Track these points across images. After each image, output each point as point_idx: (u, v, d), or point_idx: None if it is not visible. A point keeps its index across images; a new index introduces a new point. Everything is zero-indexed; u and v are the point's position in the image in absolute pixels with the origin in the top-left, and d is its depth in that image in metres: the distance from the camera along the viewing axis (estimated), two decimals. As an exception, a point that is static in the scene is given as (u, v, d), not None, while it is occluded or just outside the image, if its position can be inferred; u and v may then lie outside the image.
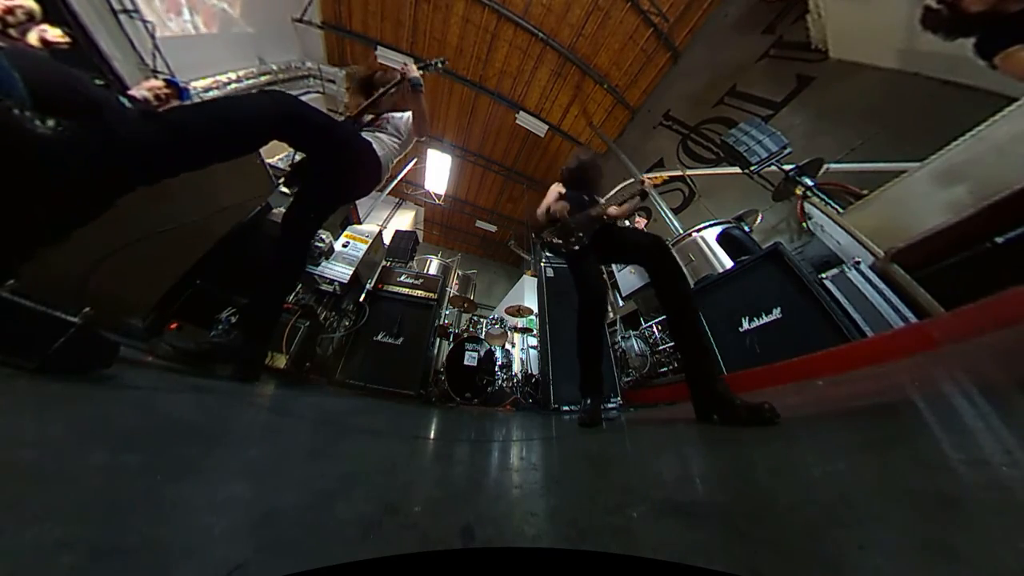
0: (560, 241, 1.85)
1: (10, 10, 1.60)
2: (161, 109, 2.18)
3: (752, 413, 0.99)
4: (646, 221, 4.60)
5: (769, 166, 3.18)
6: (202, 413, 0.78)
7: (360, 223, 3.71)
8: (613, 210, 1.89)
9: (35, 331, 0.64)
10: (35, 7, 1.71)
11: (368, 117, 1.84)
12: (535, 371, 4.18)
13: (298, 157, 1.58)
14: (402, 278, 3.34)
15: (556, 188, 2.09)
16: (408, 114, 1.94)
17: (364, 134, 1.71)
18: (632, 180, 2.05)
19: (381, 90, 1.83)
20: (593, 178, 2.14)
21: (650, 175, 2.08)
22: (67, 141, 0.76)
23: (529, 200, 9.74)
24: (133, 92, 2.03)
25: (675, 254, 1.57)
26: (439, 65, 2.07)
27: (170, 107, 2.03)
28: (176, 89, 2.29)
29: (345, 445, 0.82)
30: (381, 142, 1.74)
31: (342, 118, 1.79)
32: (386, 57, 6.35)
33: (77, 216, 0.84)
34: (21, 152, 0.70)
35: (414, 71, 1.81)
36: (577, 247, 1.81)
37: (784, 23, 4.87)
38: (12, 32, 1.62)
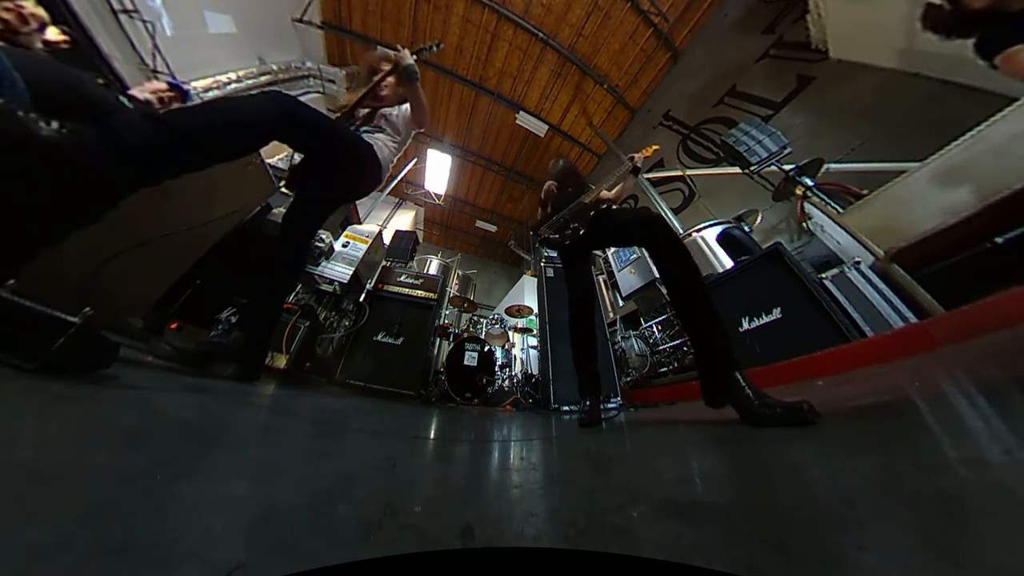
0: (557, 236, 1.84)
1: (25, 19, 1.61)
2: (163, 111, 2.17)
3: (791, 413, 0.87)
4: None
5: (769, 166, 3.19)
6: (202, 413, 0.78)
7: (360, 223, 3.71)
8: (606, 192, 1.87)
9: (35, 331, 0.64)
10: (46, 16, 1.73)
11: (364, 112, 1.77)
12: (535, 371, 4.18)
13: (297, 158, 1.58)
14: (402, 278, 3.34)
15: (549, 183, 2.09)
16: (405, 108, 1.88)
17: (364, 135, 1.68)
18: (623, 164, 2.00)
19: (375, 81, 1.74)
20: (574, 175, 2.12)
21: (637, 153, 2.01)
22: (71, 143, 0.76)
23: (529, 200, 9.74)
24: (135, 93, 2.02)
25: (672, 229, 1.44)
26: (434, 48, 1.93)
27: (171, 108, 2.02)
28: (179, 92, 2.28)
29: (345, 445, 0.82)
30: (382, 143, 1.72)
31: (337, 114, 1.73)
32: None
33: (80, 218, 0.84)
34: (25, 154, 0.70)
35: (408, 58, 1.70)
36: (574, 238, 1.79)
37: (784, 23, 4.87)
38: (22, 40, 1.63)
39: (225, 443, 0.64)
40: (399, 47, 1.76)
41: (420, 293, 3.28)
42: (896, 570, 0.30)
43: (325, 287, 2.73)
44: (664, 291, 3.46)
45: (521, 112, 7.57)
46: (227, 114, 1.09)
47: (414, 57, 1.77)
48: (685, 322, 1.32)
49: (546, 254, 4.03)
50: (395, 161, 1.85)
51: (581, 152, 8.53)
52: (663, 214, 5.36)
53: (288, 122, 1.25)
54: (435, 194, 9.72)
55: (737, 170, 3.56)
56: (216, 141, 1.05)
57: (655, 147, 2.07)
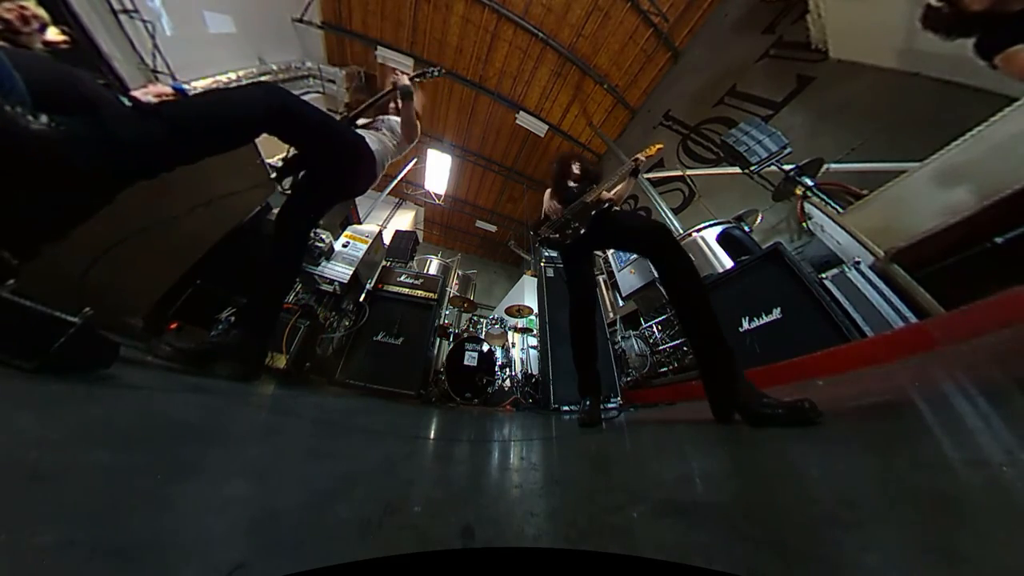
0: (557, 235, 1.84)
1: (27, 19, 1.61)
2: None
3: (792, 412, 0.87)
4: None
5: (769, 166, 3.18)
6: (202, 413, 0.78)
7: (360, 223, 3.71)
8: (606, 193, 1.88)
9: (35, 331, 0.64)
10: (47, 16, 1.73)
11: (364, 121, 1.88)
12: (535, 371, 4.18)
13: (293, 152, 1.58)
14: (402, 278, 3.34)
15: (548, 192, 2.11)
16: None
17: (359, 131, 1.71)
18: (624, 165, 2.01)
19: (374, 97, 1.89)
20: (575, 169, 2.11)
21: (641, 154, 2.01)
22: (61, 137, 0.75)
23: (529, 200, 9.75)
24: (138, 95, 2.02)
25: (676, 240, 1.45)
26: (435, 73, 2.13)
27: (162, 101, 2.02)
28: (183, 96, 2.28)
29: (345, 445, 0.82)
30: (375, 138, 1.76)
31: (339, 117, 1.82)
32: (386, 57, 6.35)
33: (76, 212, 0.84)
34: (15, 149, 0.70)
35: (404, 81, 1.86)
36: (575, 237, 1.79)
37: (784, 23, 4.87)
38: (22, 40, 1.63)
39: (225, 443, 0.63)
40: (397, 72, 1.94)
41: (420, 293, 3.28)
42: (896, 570, 0.30)
43: (325, 287, 2.73)
44: (664, 292, 3.46)
45: (521, 112, 7.57)
46: (219, 106, 1.09)
47: (417, 80, 1.97)
48: (688, 333, 1.33)
49: (546, 254, 4.03)
50: (391, 159, 1.91)
51: (581, 152, 8.53)
52: (663, 215, 5.36)
53: (280, 113, 1.24)
54: (435, 194, 9.72)
55: (737, 170, 3.56)
56: (209, 132, 1.06)
57: (659, 146, 2.06)
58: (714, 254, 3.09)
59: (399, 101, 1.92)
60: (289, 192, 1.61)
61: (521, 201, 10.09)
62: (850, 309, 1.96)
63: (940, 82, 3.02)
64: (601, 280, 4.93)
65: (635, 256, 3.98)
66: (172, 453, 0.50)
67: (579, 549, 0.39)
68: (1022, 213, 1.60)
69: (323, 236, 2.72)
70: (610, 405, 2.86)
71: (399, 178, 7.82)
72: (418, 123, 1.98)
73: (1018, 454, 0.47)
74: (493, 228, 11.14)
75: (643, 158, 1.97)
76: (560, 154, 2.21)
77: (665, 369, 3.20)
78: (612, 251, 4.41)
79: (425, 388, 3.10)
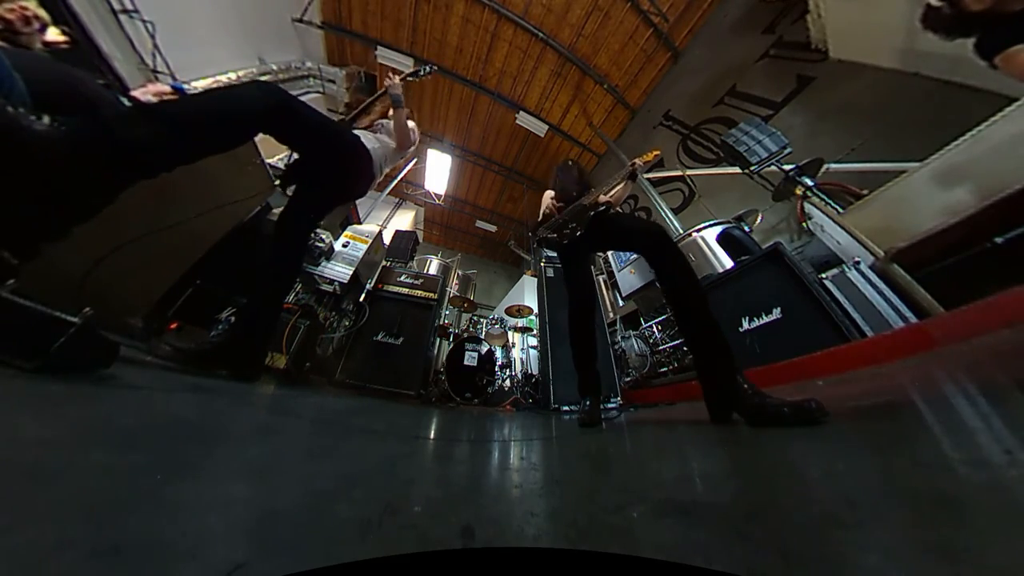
0: (555, 235, 1.85)
1: (28, 20, 1.62)
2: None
3: (798, 412, 0.85)
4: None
5: (769, 166, 3.18)
6: (202, 413, 0.78)
7: (360, 223, 3.71)
8: (603, 196, 1.89)
9: (35, 331, 0.64)
10: (47, 17, 1.74)
11: (364, 126, 1.93)
12: (535, 371, 4.18)
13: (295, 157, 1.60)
14: (402, 278, 3.34)
15: (548, 193, 2.14)
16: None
17: (356, 132, 1.73)
18: (624, 167, 2.03)
19: (368, 100, 1.95)
20: (576, 177, 2.17)
21: (639, 159, 2.04)
22: (63, 137, 0.76)
23: (529, 200, 9.75)
24: (137, 95, 2.02)
25: (675, 242, 1.49)
26: (426, 72, 2.20)
27: (161, 100, 2.02)
28: (182, 95, 2.29)
29: (345, 445, 0.82)
30: (373, 138, 1.79)
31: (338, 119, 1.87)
32: (386, 57, 6.35)
33: (78, 212, 0.84)
34: (17, 149, 0.70)
35: (397, 87, 1.88)
36: (572, 238, 1.80)
37: (784, 23, 4.87)
38: (22, 40, 1.64)
39: (225, 443, 0.63)
40: (390, 75, 1.98)
41: (420, 293, 3.28)
42: (896, 570, 0.30)
43: (325, 287, 2.73)
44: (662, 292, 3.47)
45: (521, 112, 7.57)
46: (217, 103, 1.09)
47: (410, 79, 2.05)
48: (686, 336, 1.34)
49: (546, 254, 4.03)
50: (390, 162, 1.94)
51: (581, 152, 8.54)
52: (663, 215, 5.36)
53: (276, 112, 1.25)
54: (435, 194, 9.72)
55: (737, 170, 3.56)
56: (207, 129, 1.06)
57: (656, 152, 2.09)
58: (714, 254, 3.09)
59: (391, 106, 1.96)
60: (290, 194, 1.62)
61: (521, 201, 10.09)
62: (850, 309, 1.96)
63: (940, 82, 3.02)
64: (601, 280, 4.93)
65: (635, 256, 3.98)
66: (172, 453, 0.50)
67: (579, 549, 0.39)
68: (1022, 213, 1.60)
69: (323, 236, 2.72)
70: (610, 405, 2.86)
71: (399, 178, 7.81)
72: (410, 128, 1.99)
73: (1018, 454, 0.47)
74: (493, 228, 11.13)
75: (640, 163, 1.99)
76: (561, 165, 2.30)
77: (665, 369, 3.20)
78: (612, 251, 4.41)
79: (425, 388, 3.10)
